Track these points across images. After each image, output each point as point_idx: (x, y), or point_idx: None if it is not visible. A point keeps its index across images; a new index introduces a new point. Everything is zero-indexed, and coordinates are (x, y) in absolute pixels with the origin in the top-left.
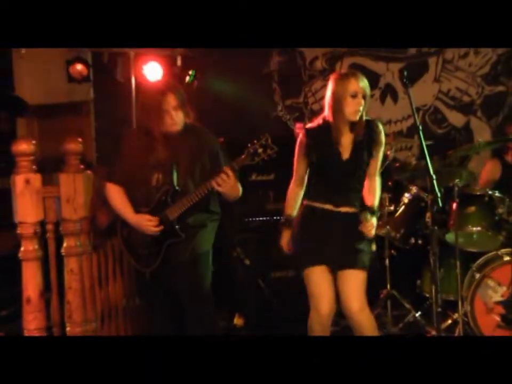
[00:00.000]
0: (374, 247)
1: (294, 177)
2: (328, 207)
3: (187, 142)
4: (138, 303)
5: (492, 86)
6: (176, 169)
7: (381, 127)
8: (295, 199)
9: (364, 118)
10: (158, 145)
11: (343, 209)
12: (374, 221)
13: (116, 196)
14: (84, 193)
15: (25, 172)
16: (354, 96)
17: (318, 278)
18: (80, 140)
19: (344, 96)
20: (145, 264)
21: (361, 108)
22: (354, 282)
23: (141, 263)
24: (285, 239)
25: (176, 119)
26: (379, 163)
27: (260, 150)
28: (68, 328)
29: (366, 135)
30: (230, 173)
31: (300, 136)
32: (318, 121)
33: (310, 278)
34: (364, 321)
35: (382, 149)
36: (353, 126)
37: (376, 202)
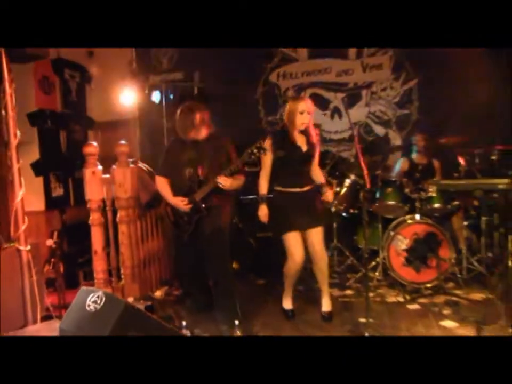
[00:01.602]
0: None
1: (262, 169)
2: (296, 189)
3: (209, 146)
4: (169, 255)
5: (401, 109)
6: (201, 166)
7: (317, 131)
8: (265, 183)
9: (311, 126)
10: (189, 149)
11: (306, 188)
12: (330, 190)
13: (161, 184)
14: (130, 180)
15: (92, 166)
16: (301, 113)
17: (292, 240)
18: (128, 144)
19: (294, 113)
20: (182, 230)
21: (307, 122)
22: (317, 235)
23: (179, 230)
24: (262, 212)
25: (202, 131)
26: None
27: (255, 151)
28: (122, 271)
29: (313, 137)
30: (226, 178)
31: (267, 140)
32: (279, 127)
33: (287, 241)
34: (321, 260)
35: (319, 146)
36: (303, 131)
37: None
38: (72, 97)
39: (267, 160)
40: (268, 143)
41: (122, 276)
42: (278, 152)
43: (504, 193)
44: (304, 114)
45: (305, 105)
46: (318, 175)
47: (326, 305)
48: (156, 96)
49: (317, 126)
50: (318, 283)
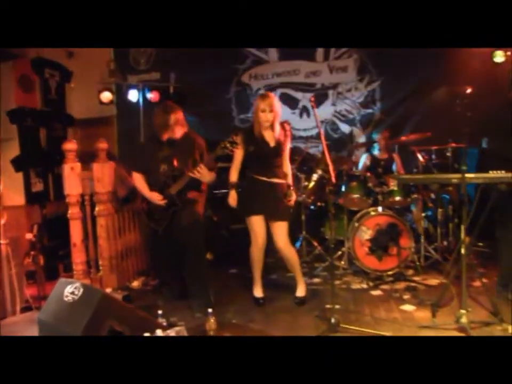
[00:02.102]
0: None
1: (234, 161)
2: (264, 178)
3: (184, 144)
4: (146, 247)
5: (365, 109)
6: (176, 162)
7: (288, 127)
8: (235, 173)
9: (277, 122)
10: (164, 147)
11: (273, 180)
12: (294, 195)
13: (138, 180)
14: (109, 175)
15: (71, 162)
16: (263, 111)
17: (256, 223)
18: (106, 141)
19: (257, 111)
20: (158, 224)
21: (270, 118)
22: (281, 229)
23: (155, 224)
24: (231, 197)
25: (175, 130)
26: (288, 150)
27: (228, 145)
28: (100, 262)
29: (280, 132)
30: (202, 167)
31: (239, 136)
32: (250, 125)
33: (251, 223)
34: (288, 253)
35: (289, 140)
36: (271, 127)
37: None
38: (52, 96)
39: (238, 154)
40: (239, 139)
41: (101, 267)
42: (248, 147)
43: (457, 187)
44: (266, 113)
45: (267, 103)
46: (287, 172)
47: (299, 291)
48: (133, 95)
49: (287, 122)
50: (291, 272)
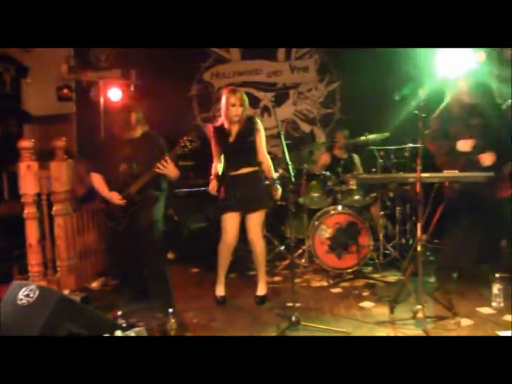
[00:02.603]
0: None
1: (214, 156)
2: (232, 172)
3: (144, 143)
4: (105, 247)
5: (325, 109)
6: (136, 161)
7: (256, 120)
8: (217, 167)
9: (245, 116)
10: (123, 145)
11: (242, 170)
12: (279, 187)
13: (97, 180)
14: (67, 174)
15: (27, 160)
16: (233, 105)
17: (228, 220)
18: (64, 139)
19: (227, 105)
20: (117, 224)
21: (239, 113)
22: (254, 219)
23: (115, 223)
24: (212, 185)
25: (136, 129)
26: (263, 143)
27: (188, 143)
28: (57, 263)
29: (246, 125)
30: (168, 160)
31: (211, 131)
32: (219, 121)
33: (224, 220)
34: (258, 246)
35: (260, 134)
36: (238, 122)
37: (273, 173)
38: (7, 90)
39: (216, 149)
40: (210, 134)
41: (58, 269)
42: (218, 141)
43: (414, 186)
44: (236, 107)
45: (237, 97)
46: (269, 168)
47: (260, 289)
48: (93, 93)
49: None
50: (256, 268)
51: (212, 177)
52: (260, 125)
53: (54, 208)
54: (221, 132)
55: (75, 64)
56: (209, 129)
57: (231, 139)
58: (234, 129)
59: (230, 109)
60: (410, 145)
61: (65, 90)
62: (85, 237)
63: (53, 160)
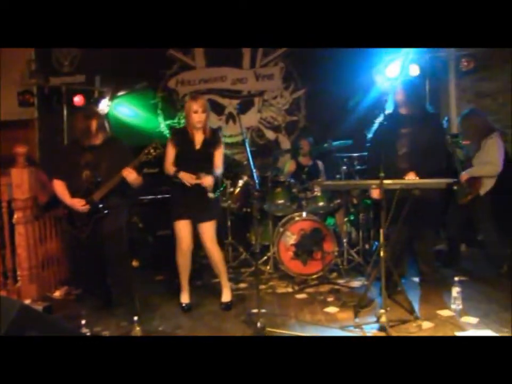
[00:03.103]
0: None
1: (166, 160)
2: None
3: (107, 149)
4: (68, 255)
5: (290, 116)
6: (99, 168)
7: (219, 133)
8: (171, 166)
9: (209, 125)
10: (86, 152)
11: (199, 181)
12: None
13: (59, 187)
14: (28, 181)
15: None
16: (195, 112)
17: (180, 228)
18: (26, 145)
19: (189, 112)
20: (80, 231)
21: (202, 119)
22: (208, 229)
23: (77, 231)
24: (184, 177)
25: (98, 136)
26: (221, 156)
27: (152, 151)
28: (18, 272)
29: (211, 136)
30: (131, 168)
31: (170, 136)
32: (182, 127)
33: (176, 228)
34: (215, 255)
35: (222, 147)
36: (202, 129)
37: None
38: None
39: (170, 153)
40: (170, 139)
41: (19, 278)
42: (177, 148)
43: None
44: (198, 113)
45: (199, 104)
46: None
47: (225, 296)
48: (56, 99)
49: (218, 128)
50: (217, 275)
51: (176, 173)
52: (221, 138)
53: (15, 216)
54: (184, 136)
55: (37, 69)
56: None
57: (197, 147)
58: (199, 137)
59: (192, 115)
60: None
61: (27, 96)
62: (47, 245)
63: (14, 166)
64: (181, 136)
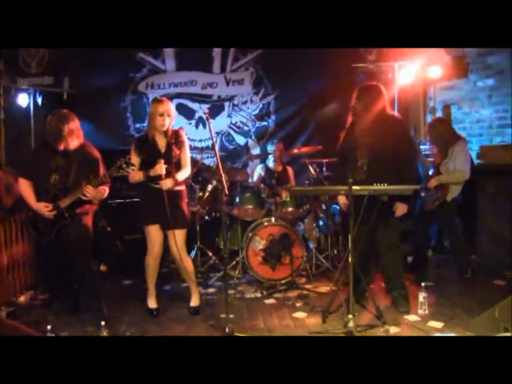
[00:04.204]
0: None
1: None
2: (157, 186)
3: (78, 156)
4: (34, 260)
5: (260, 121)
6: (68, 174)
7: (182, 133)
8: (137, 178)
9: (171, 128)
10: (57, 156)
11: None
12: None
13: (24, 187)
14: None
15: None
16: (161, 115)
17: (152, 232)
18: None
19: (154, 115)
20: (43, 236)
21: (166, 123)
22: (178, 236)
23: (40, 235)
24: (157, 169)
25: (70, 141)
26: (188, 155)
27: (124, 165)
28: None
29: (174, 138)
30: (97, 183)
31: (132, 146)
32: (143, 132)
33: (147, 233)
34: (184, 262)
35: (185, 146)
36: (164, 133)
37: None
38: None
39: (135, 160)
40: (133, 149)
41: None
42: (142, 156)
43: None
44: (163, 116)
45: (165, 107)
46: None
47: (194, 301)
48: (22, 100)
49: (182, 129)
50: (186, 281)
51: (144, 176)
52: (185, 137)
53: None
54: (146, 143)
55: (3, 69)
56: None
57: (162, 150)
58: (162, 141)
59: (157, 118)
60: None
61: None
62: (12, 249)
63: None
64: (144, 143)
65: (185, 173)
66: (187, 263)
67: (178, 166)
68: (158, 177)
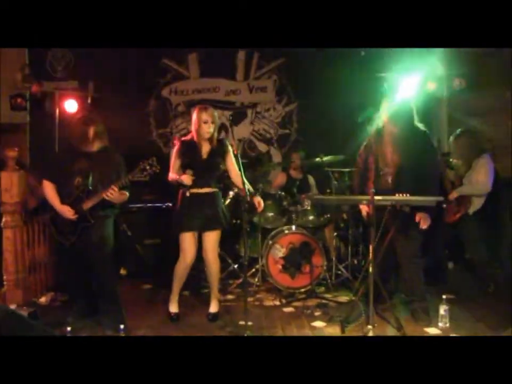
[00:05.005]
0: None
1: (171, 169)
2: (195, 190)
3: (101, 159)
4: (55, 261)
5: (282, 129)
6: (91, 176)
7: (227, 142)
8: (176, 179)
9: (216, 136)
10: (81, 159)
11: (204, 189)
12: (259, 198)
13: (49, 189)
14: (18, 185)
15: None
16: (205, 122)
17: (186, 240)
18: (16, 149)
19: (199, 122)
20: (66, 238)
21: (211, 130)
22: (212, 239)
23: (63, 238)
24: (186, 179)
25: (94, 143)
26: (235, 163)
27: (148, 167)
28: (4, 277)
29: (218, 146)
30: (120, 185)
31: (177, 145)
32: (188, 137)
33: (182, 240)
34: (215, 265)
35: (230, 154)
36: (209, 140)
37: (248, 187)
38: None
39: (175, 163)
40: (177, 149)
41: (5, 283)
42: (183, 158)
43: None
44: (208, 124)
45: (209, 114)
46: (243, 184)
47: (213, 307)
48: (48, 103)
49: (223, 139)
50: (209, 285)
51: (180, 177)
52: (229, 147)
53: (3, 220)
54: (191, 147)
55: (30, 73)
56: (175, 141)
57: (204, 156)
58: (206, 147)
59: (202, 126)
60: None
61: (19, 100)
62: (34, 250)
63: (3, 170)
64: (188, 147)
65: (245, 179)
66: (217, 267)
67: (218, 174)
68: (200, 184)
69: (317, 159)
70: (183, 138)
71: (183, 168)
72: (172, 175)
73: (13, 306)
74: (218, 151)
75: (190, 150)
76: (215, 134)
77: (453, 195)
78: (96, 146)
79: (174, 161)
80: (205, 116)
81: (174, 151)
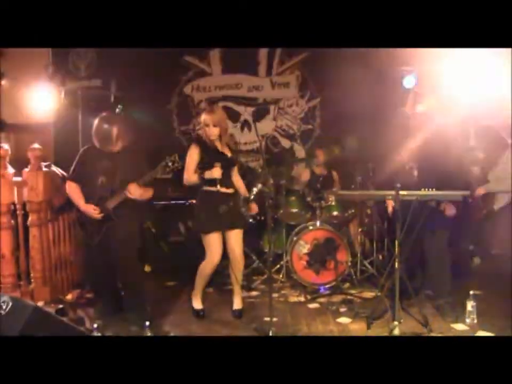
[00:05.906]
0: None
1: (188, 170)
2: (217, 188)
3: (124, 159)
4: (81, 259)
5: (305, 125)
6: (115, 176)
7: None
8: (194, 179)
9: (226, 139)
10: (104, 158)
11: (230, 189)
12: (253, 204)
13: (73, 190)
14: (43, 184)
15: (2, 169)
16: (207, 125)
17: (213, 240)
18: (41, 148)
19: (203, 125)
20: (91, 237)
21: (215, 133)
22: (238, 238)
23: (88, 236)
24: (215, 172)
25: (117, 143)
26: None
27: (170, 164)
28: (32, 275)
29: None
30: (143, 183)
31: (193, 145)
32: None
33: (208, 240)
34: (240, 263)
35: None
36: (219, 140)
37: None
38: None
39: (193, 160)
40: (195, 145)
41: (32, 280)
42: (203, 157)
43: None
44: (210, 127)
45: (210, 118)
46: (239, 184)
47: (237, 304)
48: (71, 102)
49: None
50: (232, 282)
51: (202, 178)
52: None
53: (30, 218)
54: (207, 149)
55: (53, 72)
56: (193, 144)
57: (220, 156)
58: (222, 146)
59: (205, 129)
60: None
61: (42, 98)
62: (60, 248)
63: (29, 169)
64: (206, 146)
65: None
66: (242, 265)
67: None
68: (214, 181)
69: (341, 154)
70: (199, 140)
71: (200, 167)
72: (192, 176)
73: (40, 303)
74: (233, 148)
75: (208, 148)
76: (224, 133)
77: (480, 192)
78: (119, 146)
79: (192, 159)
80: (207, 120)
81: (192, 149)
